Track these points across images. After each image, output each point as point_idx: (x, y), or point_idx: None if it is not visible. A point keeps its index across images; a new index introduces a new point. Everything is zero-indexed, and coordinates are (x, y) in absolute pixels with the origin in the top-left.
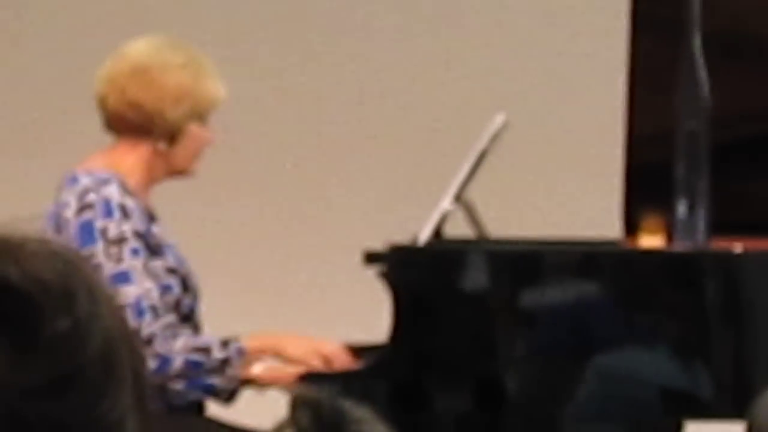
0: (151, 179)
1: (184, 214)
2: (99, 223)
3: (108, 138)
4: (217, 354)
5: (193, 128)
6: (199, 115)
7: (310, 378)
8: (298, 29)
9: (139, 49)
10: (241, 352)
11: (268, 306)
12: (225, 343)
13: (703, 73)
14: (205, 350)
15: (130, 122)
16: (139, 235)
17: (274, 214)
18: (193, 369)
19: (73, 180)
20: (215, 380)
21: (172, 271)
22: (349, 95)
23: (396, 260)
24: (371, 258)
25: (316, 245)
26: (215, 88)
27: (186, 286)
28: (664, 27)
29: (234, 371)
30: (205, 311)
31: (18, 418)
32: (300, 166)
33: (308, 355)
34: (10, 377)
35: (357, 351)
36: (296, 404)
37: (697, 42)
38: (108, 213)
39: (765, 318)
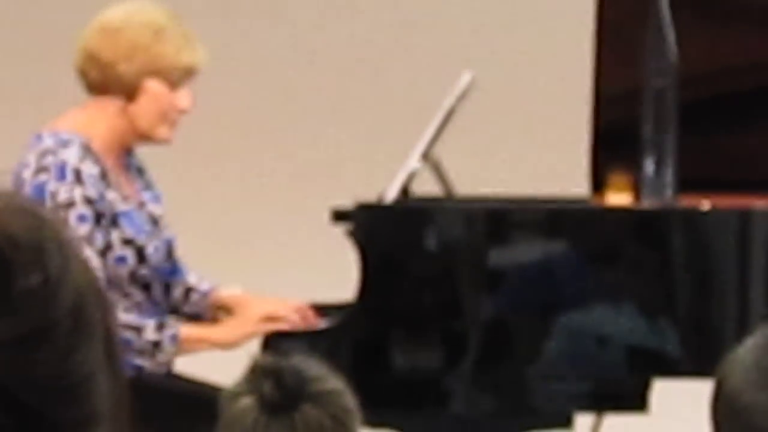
0: (119, 141)
1: (154, 176)
2: (51, 186)
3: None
4: (149, 336)
5: (152, 85)
6: (156, 73)
7: (275, 337)
8: None
9: (115, 9)
10: (174, 339)
11: (236, 265)
12: (160, 327)
13: (670, 32)
14: (137, 329)
15: (92, 78)
16: (90, 202)
17: (240, 174)
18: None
19: (38, 139)
20: (145, 362)
21: (127, 242)
22: (315, 55)
23: (363, 218)
24: (338, 216)
25: (283, 204)
26: (177, 51)
27: (142, 256)
28: None
29: (165, 357)
30: None
31: None
32: (266, 125)
33: (243, 339)
34: None
35: (324, 310)
36: (256, 372)
37: (664, 0)
38: (61, 176)
39: (732, 275)
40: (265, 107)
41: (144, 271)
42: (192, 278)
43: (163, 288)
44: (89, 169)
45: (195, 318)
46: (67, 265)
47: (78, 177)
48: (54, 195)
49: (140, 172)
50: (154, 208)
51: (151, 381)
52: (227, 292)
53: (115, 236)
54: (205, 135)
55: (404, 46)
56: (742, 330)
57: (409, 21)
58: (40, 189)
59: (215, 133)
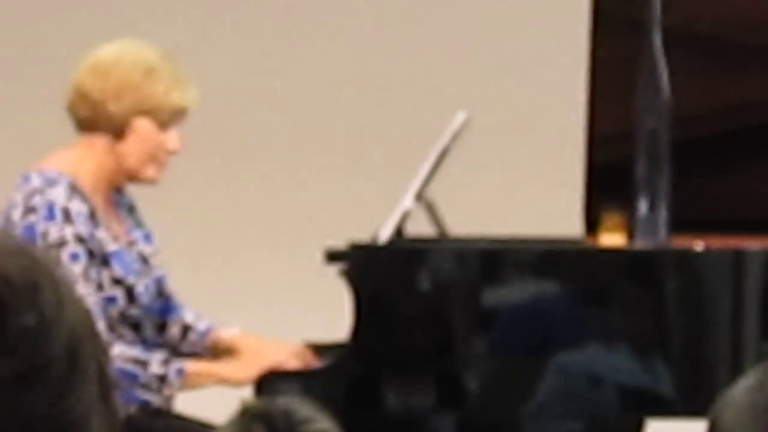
0: (107, 179)
1: (147, 213)
2: (40, 226)
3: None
4: (155, 369)
5: (140, 124)
6: (145, 112)
7: (269, 378)
8: (260, 31)
9: (108, 47)
10: (180, 373)
11: (230, 304)
12: (166, 361)
13: (663, 71)
14: (143, 363)
15: (81, 115)
16: (81, 239)
17: (235, 212)
18: (126, 379)
19: (26, 179)
20: (151, 397)
21: (117, 281)
22: (312, 94)
23: (357, 259)
24: (332, 256)
25: (278, 243)
26: (167, 91)
27: (132, 296)
28: (625, 25)
29: (170, 390)
30: None
31: None
32: (261, 164)
33: (251, 380)
34: None
35: (318, 349)
36: (246, 416)
37: (657, 40)
38: (50, 216)
39: (725, 316)
40: (258, 147)
41: (134, 311)
42: (189, 316)
43: (154, 327)
44: (78, 208)
45: (193, 356)
46: (61, 304)
47: (67, 216)
48: (44, 235)
49: (131, 210)
50: (144, 247)
51: (143, 421)
52: (226, 332)
53: (104, 276)
54: (198, 174)
55: (398, 87)
56: (736, 370)
57: (404, 61)
58: (30, 230)
59: (209, 173)
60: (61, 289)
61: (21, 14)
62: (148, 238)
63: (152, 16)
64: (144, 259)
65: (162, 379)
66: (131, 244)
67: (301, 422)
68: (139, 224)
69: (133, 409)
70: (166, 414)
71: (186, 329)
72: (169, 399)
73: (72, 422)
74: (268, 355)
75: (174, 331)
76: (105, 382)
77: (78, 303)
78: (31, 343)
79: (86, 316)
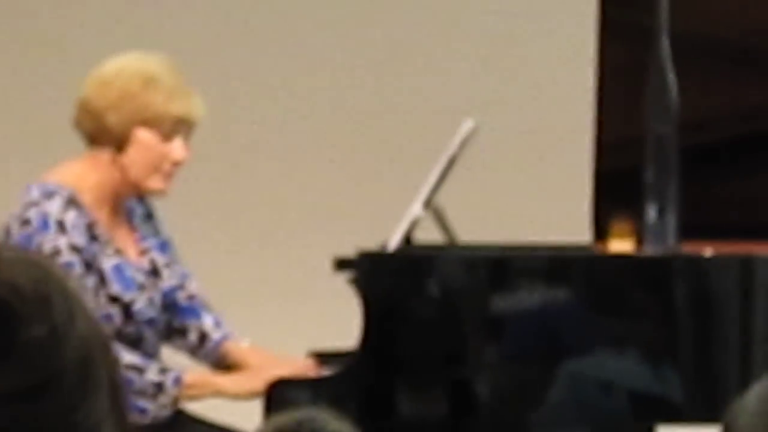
0: (112, 193)
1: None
2: (36, 239)
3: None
4: (152, 376)
5: (141, 135)
6: (144, 123)
7: (279, 385)
8: (269, 38)
9: (114, 60)
10: (178, 382)
11: (238, 313)
12: (163, 370)
13: (671, 77)
14: (139, 369)
15: (85, 128)
16: (76, 249)
17: (244, 221)
18: None
19: (27, 191)
20: (148, 404)
21: (113, 299)
22: (320, 102)
23: (366, 266)
24: (341, 264)
25: (287, 251)
26: (166, 101)
27: (129, 313)
28: (633, 31)
29: (167, 399)
30: None
31: None
32: (269, 171)
33: (249, 395)
34: None
35: (325, 358)
36: None
37: (665, 46)
38: (44, 227)
39: (735, 321)
40: (266, 154)
41: (130, 328)
42: (208, 322)
43: (157, 338)
44: (73, 219)
45: (207, 366)
46: (72, 316)
47: (61, 227)
48: (39, 246)
49: (148, 218)
50: (157, 257)
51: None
52: (236, 345)
53: (101, 294)
54: (206, 180)
55: (406, 95)
56: (745, 375)
57: (412, 69)
58: (25, 242)
59: (216, 182)
60: (72, 301)
61: (39, 19)
62: (163, 247)
63: (165, 22)
64: (155, 270)
65: (159, 386)
66: (143, 253)
67: None
68: (156, 232)
69: (145, 420)
70: (186, 421)
71: (204, 337)
72: (165, 407)
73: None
74: (270, 370)
75: (192, 337)
76: (116, 392)
77: (89, 314)
78: (42, 355)
79: (97, 327)
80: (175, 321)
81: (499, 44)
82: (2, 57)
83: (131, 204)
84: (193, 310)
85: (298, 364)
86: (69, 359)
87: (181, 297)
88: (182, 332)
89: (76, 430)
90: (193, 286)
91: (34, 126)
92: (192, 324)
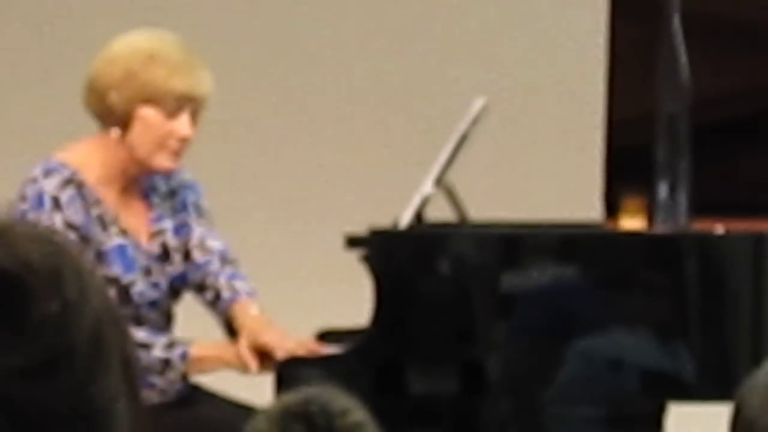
0: (119, 172)
1: None
2: (31, 216)
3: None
4: (159, 353)
5: (144, 112)
6: (147, 100)
7: (290, 363)
8: (279, 18)
9: (121, 37)
10: (185, 357)
11: None
12: (170, 345)
13: (682, 55)
14: (146, 346)
15: (93, 108)
16: (72, 226)
17: (255, 200)
18: None
19: (32, 167)
20: (155, 380)
21: (111, 280)
22: (330, 80)
23: (377, 244)
24: (353, 242)
25: (298, 229)
26: (168, 77)
27: (127, 295)
28: (644, 9)
29: (175, 374)
30: (186, 297)
31: (6, 401)
32: (280, 150)
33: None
34: None
35: (339, 335)
36: (285, 416)
37: (676, 24)
38: (39, 204)
39: (746, 299)
40: (278, 133)
41: (129, 311)
42: (222, 280)
43: (163, 320)
44: (70, 197)
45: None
46: (84, 291)
47: (56, 204)
48: None
49: (172, 195)
50: (170, 240)
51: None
52: (242, 308)
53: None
54: (218, 159)
55: (418, 73)
56: (757, 353)
57: (423, 47)
58: (21, 218)
59: (228, 158)
60: (84, 276)
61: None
62: (180, 229)
63: (174, 15)
64: (165, 254)
65: (166, 362)
66: (154, 236)
67: (338, 415)
68: (175, 211)
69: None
70: (200, 396)
71: (217, 295)
72: (174, 383)
73: (97, 409)
74: (255, 339)
75: (208, 296)
76: (129, 368)
77: (101, 289)
78: (54, 330)
79: (109, 302)
80: (195, 277)
81: (510, 22)
82: (21, 37)
83: (155, 180)
84: (208, 267)
85: (297, 341)
86: (81, 335)
87: (197, 255)
88: (201, 289)
89: (89, 406)
90: (216, 244)
91: (52, 106)
92: (208, 281)
